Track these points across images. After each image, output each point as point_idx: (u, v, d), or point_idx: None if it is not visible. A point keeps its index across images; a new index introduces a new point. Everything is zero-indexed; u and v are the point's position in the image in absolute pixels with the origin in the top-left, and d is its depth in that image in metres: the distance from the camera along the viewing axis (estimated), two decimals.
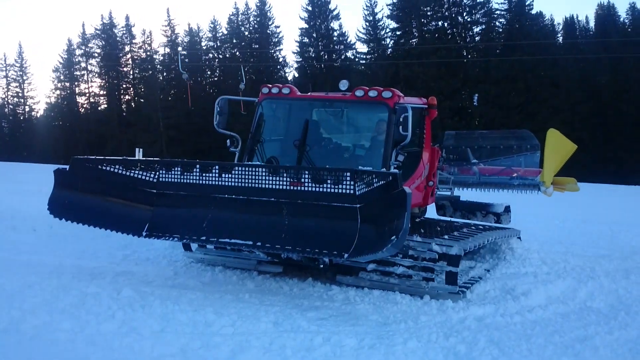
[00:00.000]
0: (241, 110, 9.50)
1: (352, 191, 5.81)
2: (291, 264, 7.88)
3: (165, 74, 63.15)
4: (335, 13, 58.76)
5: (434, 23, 54.74)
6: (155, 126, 56.42)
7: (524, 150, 10.43)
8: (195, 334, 5.21)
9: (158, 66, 63.24)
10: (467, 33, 54.38)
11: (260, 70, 58.26)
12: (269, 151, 8.06)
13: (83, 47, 66.21)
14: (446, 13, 54.05)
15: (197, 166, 6.57)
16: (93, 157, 7.04)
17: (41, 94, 79.93)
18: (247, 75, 59.48)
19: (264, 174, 6.27)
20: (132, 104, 65.74)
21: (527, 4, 53.80)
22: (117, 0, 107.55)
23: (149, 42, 64.75)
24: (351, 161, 7.93)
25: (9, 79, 70.45)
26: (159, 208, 6.71)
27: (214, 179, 6.45)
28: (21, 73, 70.39)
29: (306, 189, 6.08)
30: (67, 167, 6.94)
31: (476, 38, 54.51)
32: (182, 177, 6.61)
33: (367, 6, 57.24)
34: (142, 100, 62.18)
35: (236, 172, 6.35)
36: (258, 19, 61.73)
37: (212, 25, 62.94)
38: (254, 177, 6.27)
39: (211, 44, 63.57)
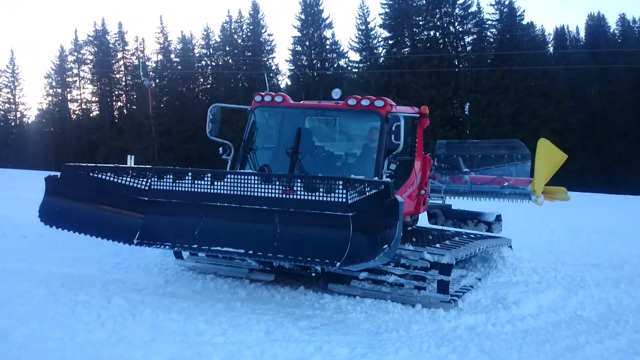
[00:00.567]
0: None
1: (344, 200, 5.82)
2: (283, 273, 7.87)
3: (157, 80, 63.04)
4: (328, 22, 58.96)
5: (425, 33, 54.99)
6: (147, 133, 56.24)
7: (514, 160, 10.49)
8: (186, 343, 5.18)
9: (150, 73, 63.14)
10: (458, 43, 54.67)
11: (253, 78, 58.28)
12: (261, 159, 8.06)
13: (75, 54, 66.06)
14: (438, 23, 54.33)
15: (189, 174, 6.56)
16: (84, 164, 7.01)
17: (33, 100, 79.85)
18: (240, 83, 59.58)
19: (256, 182, 6.26)
20: (124, 110, 65.56)
21: (518, 14, 54.21)
22: (110, 7, 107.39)
23: (142, 49, 64.73)
24: (343, 170, 7.94)
25: (0, 85, 70.15)
26: (150, 216, 6.69)
27: (206, 186, 6.44)
28: (13, 79, 70.09)
29: (298, 197, 6.08)
30: (58, 174, 6.90)
31: (467, 48, 54.82)
32: (173, 184, 6.59)
33: (359, 15, 57.51)
34: (134, 107, 61.99)
35: (228, 180, 6.34)
36: (251, 27, 61.81)
37: (205, 33, 63.01)
38: (246, 185, 6.26)
39: (204, 51, 63.57)
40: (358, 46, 57.55)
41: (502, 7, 53.99)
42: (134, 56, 64.71)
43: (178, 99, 60.89)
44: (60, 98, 66.65)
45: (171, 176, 6.62)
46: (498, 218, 10.26)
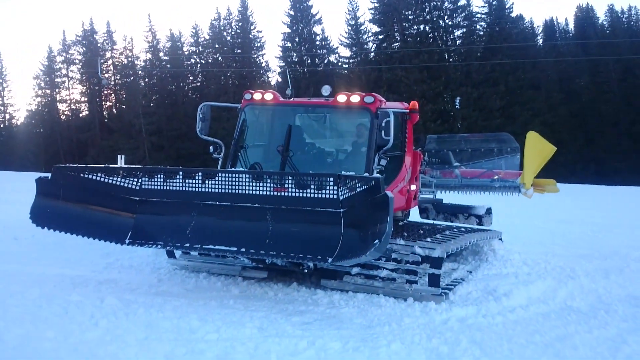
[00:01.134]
0: None
1: (335, 196, 5.87)
2: (276, 269, 7.91)
3: (146, 79, 62.81)
4: (317, 17, 58.85)
5: (415, 27, 55.08)
6: (137, 132, 56.06)
7: (504, 153, 10.60)
8: (179, 341, 5.22)
9: (139, 72, 62.88)
10: (448, 37, 54.80)
11: (243, 76, 58.17)
12: (252, 157, 8.09)
13: (64, 54, 65.63)
14: (427, 17, 54.41)
15: (180, 173, 6.59)
16: (75, 165, 7.02)
17: (21, 102, 79.27)
18: (230, 81, 59.44)
19: (247, 179, 6.30)
20: (114, 110, 65.27)
21: (507, 7, 54.42)
22: (98, 6, 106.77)
23: (130, 47, 64.41)
24: (334, 166, 7.98)
25: None
26: (141, 215, 6.72)
27: (197, 185, 6.47)
28: (1, 80, 69.58)
29: (290, 194, 6.13)
30: (49, 175, 6.91)
31: (457, 41, 54.96)
32: (164, 184, 6.62)
33: (349, 10, 57.52)
34: (123, 106, 61.72)
35: (219, 179, 6.38)
36: (240, 24, 61.62)
37: (193, 31, 62.74)
38: (237, 183, 6.30)
39: (193, 49, 63.33)
40: (348, 42, 57.60)
41: (491, 0, 54.16)
42: (123, 55, 64.43)
43: (168, 97, 60.66)
44: (49, 99, 66.24)
45: (162, 176, 6.65)
46: (488, 211, 10.35)
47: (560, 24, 63.18)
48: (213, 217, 6.45)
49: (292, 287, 7.68)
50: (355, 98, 7.74)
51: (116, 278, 7.84)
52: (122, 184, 6.74)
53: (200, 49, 63.00)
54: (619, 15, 59.99)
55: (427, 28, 54.61)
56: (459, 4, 54.17)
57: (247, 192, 6.27)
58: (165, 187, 6.62)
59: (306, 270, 7.67)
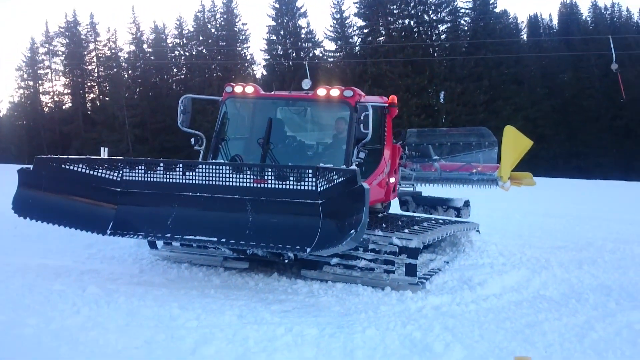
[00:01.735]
0: None
1: (314, 188, 6.01)
2: (257, 260, 8.04)
3: (130, 71, 62.40)
4: (302, 11, 58.80)
5: (400, 21, 55.31)
6: (121, 125, 55.73)
7: (482, 147, 10.78)
8: (159, 328, 5.35)
9: (123, 64, 62.43)
10: (433, 31, 55.08)
11: (228, 68, 58.00)
12: (233, 149, 8.20)
13: (47, 46, 64.96)
14: (412, 11, 54.63)
15: (161, 164, 6.69)
16: (56, 156, 7.09)
17: (4, 93, 78.31)
18: (215, 73, 59.23)
19: (228, 171, 6.42)
20: (97, 102, 64.73)
21: (491, 2, 54.74)
22: None
23: (114, 39, 63.90)
24: (314, 159, 8.12)
25: None
26: (123, 206, 6.81)
27: (178, 177, 6.58)
28: None
29: (270, 186, 6.26)
30: (31, 166, 6.98)
31: (442, 36, 55.27)
32: (146, 175, 6.72)
33: (334, 4, 57.47)
34: (107, 98, 61.25)
35: (200, 170, 6.49)
36: (225, 16, 61.37)
37: (178, 23, 62.39)
38: (218, 174, 6.41)
39: (177, 41, 62.98)
40: (333, 35, 57.64)
41: None
42: (106, 47, 63.92)
43: (152, 90, 60.32)
44: (32, 90, 65.58)
45: (143, 167, 6.74)
46: (466, 203, 10.55)
47: (544, 19, 63.82)
48: (194, 208, 6.56)
49: (273, 277, 7.82)
50: (334, 92, 7.87)
51: (98, 268, 7.92)
52: (103, 175, 6.82)
53: (185, 42, 62.70)
54: (602, 11, 60.69)
55: (412, 22, 54.87)
56: None
57: (227, 183, 6.38)
58: (146, 179, 6.72)
59: (287, 261, 7.83)
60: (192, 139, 8.42)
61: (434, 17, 54.96)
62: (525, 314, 6.49)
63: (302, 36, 59.06)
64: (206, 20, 61.69)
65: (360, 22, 56.71)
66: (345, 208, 5.82)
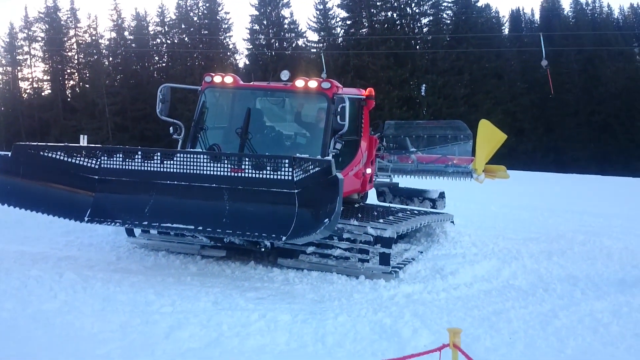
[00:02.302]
0: None
1: (290, 177, 6.14)
2: (234, 248, 8.15)
3: (111, 59, 61.73)
4: (285, 1, 58.51)
5: (383, 13, 55.39)
6: (101, 112, 55.20)
7: (458, 140, 10.97)
8: (135, 312, 5.46)
9: (104, 51, 61.73)
10: (415, 24, 55.27)
11: (210, 57, 57.69)
12: (211, 139, 8.27)
13: (26, 31, 63.90)
14: (395, 4, 54.73)
15: (139, 153, 6.77)
16: (35, 143, 7.13)
17: None
18: (197, 62, 58.85)
19: (205, 160, 6.51)
20: (77, 89, 63.99)
21: None
22: None
23: (95, 26, 63.09)
24: (291, 149, 8.21)
25: None
26: (101, 194, 6.88)
27: (156, 165, 6.66)
28: None
29: (247, 175, 6.38)
30: (9, 153, 7.01)
31: (424, 29, 55.47)
32: (124, 163, 6.79)
33: None
34: (87, 85, 60.56)
35: (178, 159, 6.58)
36: (207, 5, 60.86)
37: (159, 10, 61.74)
38: (196, 163, 6.51)
39: (159, 29, 62.38)
40: (316, 26, 57.53)
41: None
42: (87, 34, 63.12)
43: (132, 77, 59.71)
44: (10, 76, 64.56)
45: (121, 155, 6.81)
46: (441, 195, 10.74)
47: (526, 14, 64.37)
48: (171, 196, 6.66)
49: (250, 265, 7.94)
50: (312, 83, 7.98)
51: (75, 255, 7.98)
52: (81, 162, 6.89)
53: (166, 29, 62.12)
54: (584, 7, 61.35)
55: (395, 15, 54.97)
56: None
57: (205, 172, 6.49)
58: (124, 167, 6.79)
59: (263, 249, 7.95)
60: (171, 128, 8.48)
61: (417, 10, 55.14)
62: (493, 302, 6.70)
63: (285, 26, 58.88)
64: (188, 8, 61.18)
65: (343, 14, 56.73)
66: (320, 197, 5.96)
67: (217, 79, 8.51)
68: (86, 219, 6.78)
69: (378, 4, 55.13)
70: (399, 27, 54.43)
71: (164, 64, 62.51)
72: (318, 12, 57.14)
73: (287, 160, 6.20)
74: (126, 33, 62.23)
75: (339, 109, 7.49)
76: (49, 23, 62.68)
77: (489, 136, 10.11)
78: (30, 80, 64.62)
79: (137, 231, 8.57)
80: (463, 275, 7.75)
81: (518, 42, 57.92)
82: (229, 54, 61.17)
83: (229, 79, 8.49)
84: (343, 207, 6.29)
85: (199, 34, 59.55)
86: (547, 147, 51.85)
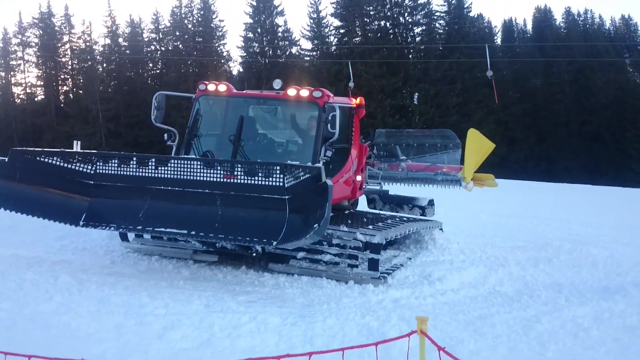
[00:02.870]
0: None
1: (281, 183, 6.30)
2: (226, 253, 8.31)
3: (105, 65, 61.79)
4: (280, 9, 58.82)
5: (376, 22, 55.74)
6: (94, 118, 55.21)
7: (447, 149, 11.17)
8: (129, 314, 5.61)
9: (98, 57, 61.78)
10: (408, 33, 55.67)
11: (204, 64, 57.89)
12: (205, 145, 8.44)
13: (19, 36, 63.92)
14: (388, 13, 55.12)
15: (134, 159, 6.92)
16: (31, 148, 7.27)
17: None
18: (191, 69, 59.02)
19: (199, 166, 6.68)
20: (70, 95, 63.96)
21: (465, 6, 55.57)
22: None
23: (89, 32, 63.15)
24: (283, 156, 8.39)
25: None
26: (96, 198, 7.02)
27: (150, 171, 6.81)
28: None
29: (239, 181, 6.54)
30: (6, 158, 7.14)
31: (417, 39, 55.91)
32: (119, 169, 6.94)
33: (311, 3, 57.64)
34: (80, 91, 60.57)
35: (172, 165, 6.74)
36: (202, 12, 61.13)
37: (154, 17, 61.93)
38: (189, 169, 6.67)
39: (153, 36, 62.54)
40: (310, 34, 57.84)
41: (451, 0, 55.27)
42: (81, 40, 63.18)
43: (126, 84, 59.76)
44: (3, 82, 64.47)
45: (116, 161, 6.96)
46: (431, 202, 10.94)
47: (518, 24, 64.97)
48: (165, 202, 6.82)
49: (241, 270, 8.09)
50: (304, 92, 8.17)
51: (70, 259, 8.11)
52: (77, 168, 7.03)
53: (161, 36, 62.26)
54: (576, 18, 62.04)
55: (388, 24, 55.34)
56: (419, 2, 55.02)
57: (198, 178, 6.65)
58: (119, 172, 6.94)
59: (255, 254, 8.11)
60: (165, 135, 8.63)
61: (410, 20, 55.54)
62: (478, 307, 6.87)
63: (279, 34, 59.16)
64: (183, 15, 61.38)
65: (336, 22, 57.02)
66: (310, 203, 6.13)
67: (211, 87, 8.68)
68: (81, 223, 6.92)
69: (371, 13, 55.51)
70: (392, 36, 54.79)
71: (158, 71, 62.62)
72: (312, 21, 57.47)
73: (278, 167, 6.36)
74: (120, 39, 62.32)
75: (329, 117, 7.67)
76: (43, 29, 62.67)
77: (478, 145, 10.29)
78: (24, 85, 64.55)
79: (131, 236, 8.69)
80: (450, 282, 7.92)
81: (510, 52, 58.48)
82: (223, 61, 61.38)
83: (222, 87, 8.67)
84: (333, 214, 6.47)
85: (193, 42, 59.74)
86: (539, 156, 52.24)
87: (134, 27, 61.67)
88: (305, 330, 5.56)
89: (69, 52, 63.52)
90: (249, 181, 6.50)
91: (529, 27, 63.84)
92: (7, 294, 5.91)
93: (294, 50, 59.53)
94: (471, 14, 56.83)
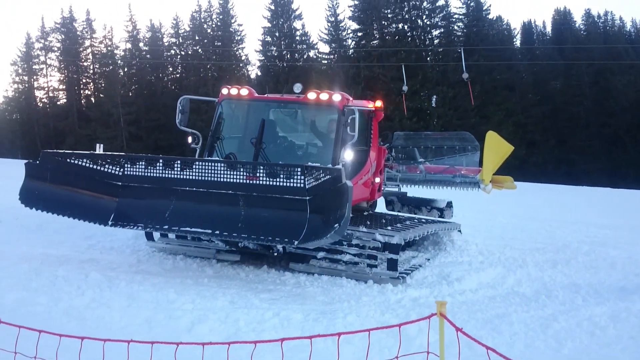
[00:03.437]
0: None
1: (302, 185, 6.49)
2: (248, 253, 8.52)
3: (126, 69, 62.63)
4: (297, 13, 59.31)
5: (394, 25, 55.92)
6: (116, 122, 55.98)
7: (465, 151, 11.28)
8: (158, 309, 5.85)
9: (119, 61, 62.64)
10: (426, 36, 55.69)
11: (223, 68, 58.42)
12: (227, 148, 8.68)
13: (42, 41, 65.04)
14: (406, 16, 55.25)
15: (160, 161, 7.16)
16: (62, 151, 7.55)
17: None
18: (210, 73, 59.57)
19: (222, 168, 6.89)
20: (92, 99, 64.93)
21: (484, 9, 55.46)
22: None
23: (110, 37, 64.10)
24: (303, 158, 8.58)
25: None
26: (124, 199, 7.27)
27: (176, 172, 7.05)
28: None
29: (261, 182, 6.74)
30: (29, 161, 7.44)
31: (435, 41, 55.89)
32: (146, 170, 7.18)
33: (329, 7, 58.05)
34: (102, 95, 61.46)
35: (197, 167, 6.97)
36: (221, 17, 61.76)
37: (174, 22, 62.72)
38: (213, 171, 6.89)
39: (173, 40, 63.31)
40: (327, 38, 58.14)
41: (469, 2, 55.17)
42: (102, 44, 64.12)
43: (147, 87, 60.53)
44: (26, 85, 65.61)
45: (143, 163, 7.21)
46: (449, 204, 11.05)
47: (538, 26, 64.58)
48: (190, 202, 7.04)
49: (263, 269, 8.30)
50: (324, 96, 8.36)
51: (98, 258, 8.38)
52: (106, 169, 7.28)
53: (181, 41, 63.01)
54: (596, 19, 61.54)
55: (406, 27, 55.44)
56: (437, 4, 55.12)
57: (222, 179, 6.86)
58: (146, 174, 7.18)
59: (276, 254, 8.31)
60: (189, 138, 8.88)
61: (428, 22, 55.61)
62: (496, 306, 6.98)
63: (297, 38, 59.56)
64: (202, 20, 62.08)
65: (354, 26, 57.33)
66: (331, 204, 6.30)
67: (234, 91, 8.91)
68: (110, 222, 7.17)
69: (389, 16, 55.67)
70: (409, 39, 54.86)
71: (177, 75, 63.36)
72: (329, 24, 57.81)
73: (299, 169, 6.54)
74: (141, 44, 63.14)
75: (348, 120, 7.84)
76: (65, 33, 63.71)
77: (497, 147, 10.40)
78: (46, 89, 65.64)
79: (156, 235, 8.95)
80: (469, 282, 8.04)
81: (529, 55, 58.19)
82: (241, 65, 61.92)
83: (244, 92, 8.89)
84: (352, 215, 6.63)
85: (212, 46, 60.36)
86: (558, 159, 51.91)
87: (154, 31, 62.47)
88: (327, 326, 5.74)
89: (90, 56, 64.51)
90: (271, 182, 6.68)
91: (549, 29, 63.52)
92: (42, 290, 6.18)
93: (311, 53, 59.89)
94: (490, 16, 56.70)
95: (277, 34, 59.21)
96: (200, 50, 61.41)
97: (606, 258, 10.50)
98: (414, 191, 11.61)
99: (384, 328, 4.36)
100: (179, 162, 7.12)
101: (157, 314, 5.68)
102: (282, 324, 5.72)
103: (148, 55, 61.64)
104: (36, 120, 62.47)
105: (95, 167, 7.32)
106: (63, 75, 65.15)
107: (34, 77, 65.47)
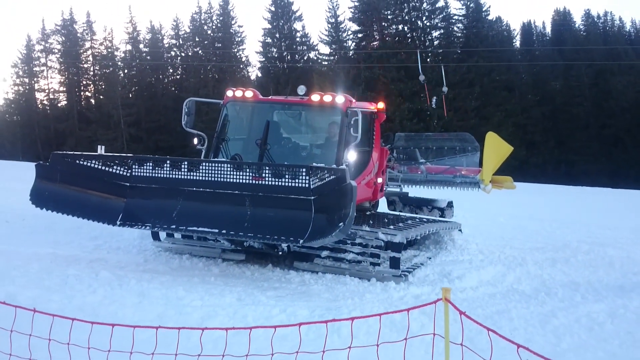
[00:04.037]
0: None
1: (307, 185, 6.65)
2: (253, 252, 8.69)
3: (126, 70, 62.79)
4: (298, 14, 59.46)
5: (394, 27, 56.10)
6: (116, 123, 56.14)
7: (465, 152, 11.44)
8: (169, 305, 6.03)
9: (119, 63, 62.81)
10: (426, 37, 55.86)
11: (223, 70, 58.59)
12: (233, 149, 8.84)
13: (43, 43, 65.20)
14: (406, 17, 55.40)
15: (168, 162, 7.32)
16: (71, 152, 7.71)
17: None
18: (210, 74, 59.73)
19: (228, 169, 7.05)
20: (92, 100, 65.09)
21: (484, 10, 55.61)
22: None
23: (110, 38, 64.27)
24: (307, 159, 8.76)
25: None
26: (132, 199, 7.43)
27: (183, 173, 7.21)
28: None
29: (266, 183, 6.91)
30: (48, 161, 7.60)
31: (435, 42, 56.06)
32: (153, 171, 7.34)
33: (329, 8, 58.17)
34: (102, 97, 61.61)
35: (203, 168, 7.13)
36: (221, 18, 61.93)
37: (174, 23, 62.89)
38: (219, 172, 7.05)
39: (173, 41, 63.49)
40: (328, 39, 58.29)
41: (469, 3, 55.34)
42: (102, 46, 64.29)
43: (147, 89, 60.70)
44: (27, 87, 65.76)
45: (151, 164, 7.37)
46: (450, 204, 11.21)
47: (537, 27, 64.72)
48: (197, 202, 7.20)
49: (268, 268, 8.47)
50: (327, 98, 8.54)
51: (106, 257, 8.54)
52: (114, 170, 7.44)
53: (181, 42, 63.19)
54: (595, 20, 61.67)
55: (406, 28, 55.61)
56: (437, 6, 55.25)
57: (228, 180, 7.02)
58: (154, 175, 7.34)
59: (280, 253, 8.48)
60: (195, 139, 9.04)
61: (428, 24, 55.77)
62: (496, 303, 7.15)
63: (297, 39, 59.74)
64: (202, 21, 62.26)
65: (354, 27, 57.49)
66: (335, 203, 6.47)
67: (238, 93, 9.08)
68: (118, 222, 7.32)
69: (389, 17, 55.83)
70: (409, 40, 55.03)
71: (178, 76, 63.53)
72: (330, 26, 57.96)
73: (304, 169, 6.70)
74: (141, 45, 63.34)
75: (352, 122, 8.01)
76: (66, 35, 63.86)
77: (496, 148, 10.54)
78: (47, 91, 65.79)
79: (162, 235, 9.11)
80: (469, 280, 8.21)
81: (529, 56, 58.35)
82: (241, 66, 62.07)
83: (249, 94, 9.06)
84: (355, 214, 6.79)
85: (212, 47, 60.55)
86: (558, 159, 52.02)
87: (154, 33, 62.64)
88: (332, 322, 5.89)
89: (90, 58, 64.68)
90: (277, 183, 6.84)
91: (548, 29, 63.64)
92: (54, 288, 6.35)
93: (312, 55, 60.08)
94: (489, 17, 56.85)
95: (277, 35, 59.37)
96: (200, 51, 61.58)
97: (605, 257, 10.66)
98: (415, 191, 11.76)
99: (394, 312, 4.54)
100: (186, 163, 7.28)
101: (167, 310, 5.85)
102: (289, 319, 5.88)
103: (148, 57, 61.80)
104: (37, 122, 62.59)
105: (104, 168, 7.47)
106: (63, 77, 65.31)
107: (35, 79, 65.61)
